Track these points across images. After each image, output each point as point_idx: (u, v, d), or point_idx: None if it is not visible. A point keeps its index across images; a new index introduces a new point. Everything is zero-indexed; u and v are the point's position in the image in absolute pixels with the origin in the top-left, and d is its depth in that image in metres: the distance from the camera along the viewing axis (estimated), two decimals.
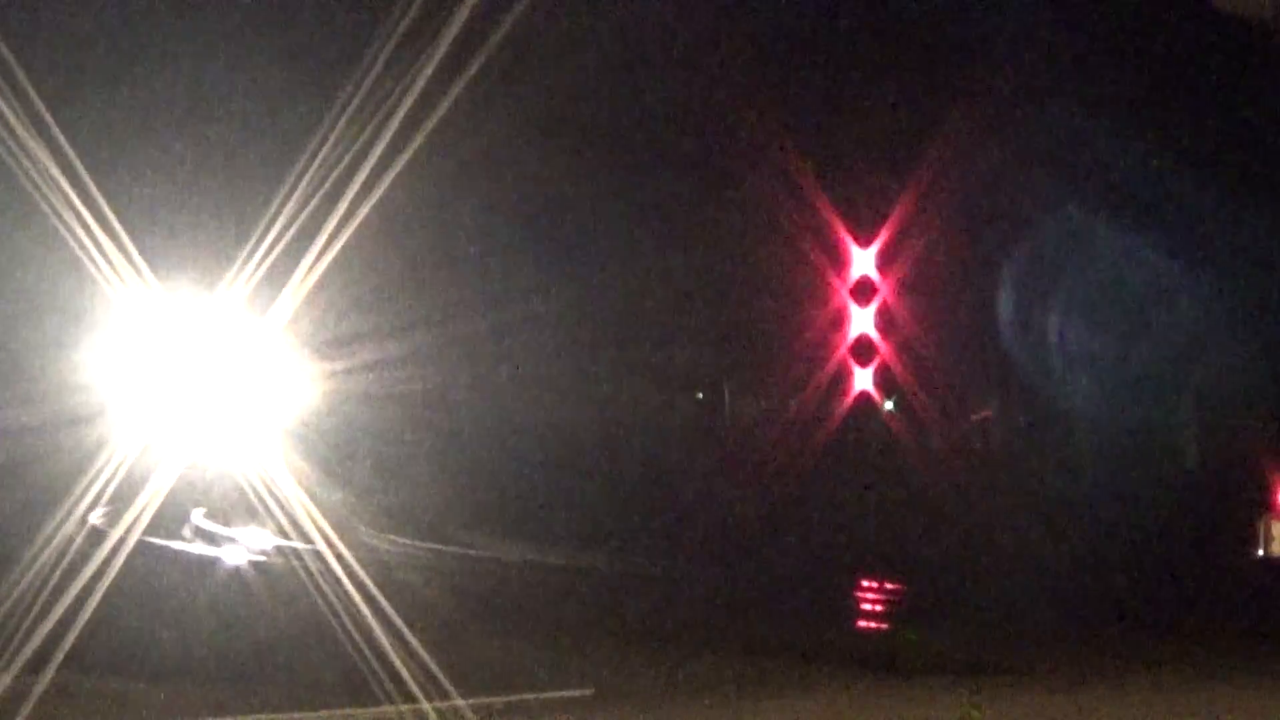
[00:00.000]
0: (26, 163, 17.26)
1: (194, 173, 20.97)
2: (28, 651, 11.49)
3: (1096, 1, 19.48)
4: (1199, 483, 12.45)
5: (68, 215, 17.48)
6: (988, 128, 18.10)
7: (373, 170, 17.99)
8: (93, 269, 17.32)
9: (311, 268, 17.88)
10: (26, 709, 10.85)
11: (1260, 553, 9.60)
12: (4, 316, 18.87)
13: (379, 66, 17.95)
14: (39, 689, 11.04)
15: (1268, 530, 9.48)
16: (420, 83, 18.44)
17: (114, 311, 17.59)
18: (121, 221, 17.45)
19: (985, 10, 19.32)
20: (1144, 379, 18.56)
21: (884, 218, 17.75)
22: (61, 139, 17.69)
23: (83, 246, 17.43)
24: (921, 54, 19.09)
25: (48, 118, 17.29)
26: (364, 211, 18.02)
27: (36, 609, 11.74)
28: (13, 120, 17.36)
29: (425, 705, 11.17)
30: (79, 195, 17.43)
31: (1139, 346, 18.49)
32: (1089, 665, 13.12)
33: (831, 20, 19.51)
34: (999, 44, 19.26)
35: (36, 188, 17.25)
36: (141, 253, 17.64)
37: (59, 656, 11.31)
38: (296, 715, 11.52)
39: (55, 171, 17.46)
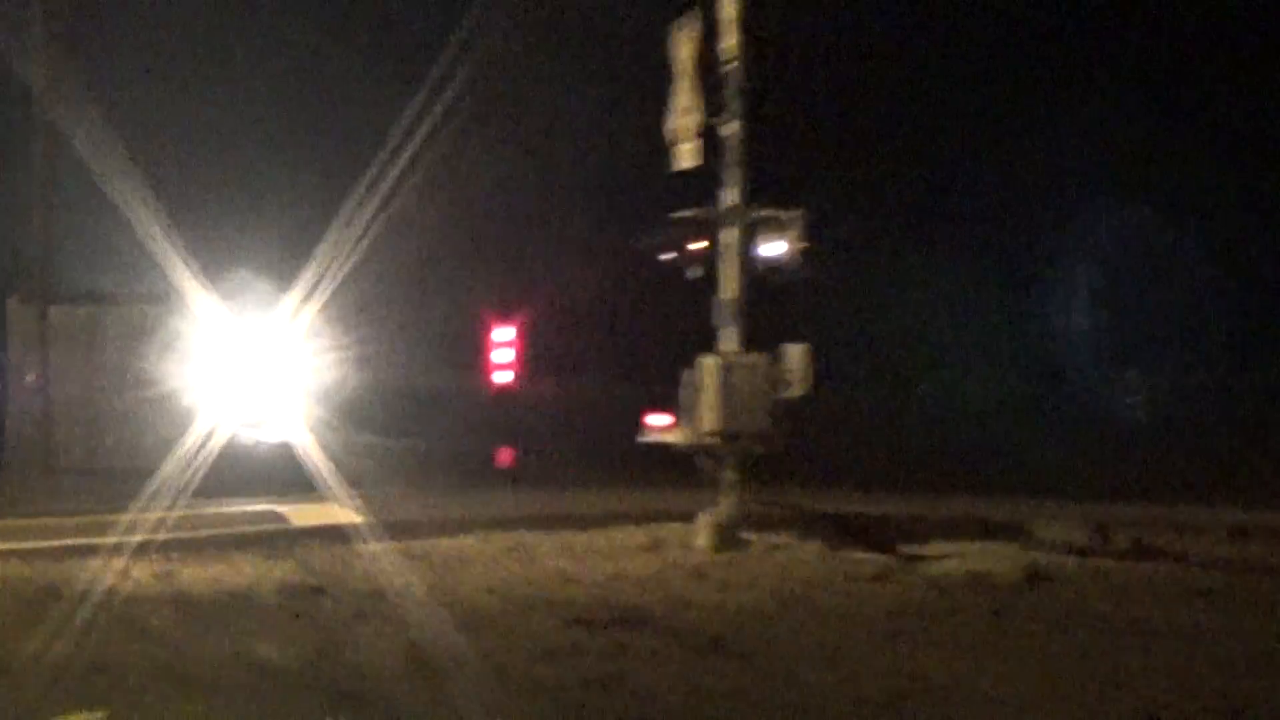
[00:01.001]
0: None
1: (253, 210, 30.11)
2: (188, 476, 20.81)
3: None
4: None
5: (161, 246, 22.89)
6: None
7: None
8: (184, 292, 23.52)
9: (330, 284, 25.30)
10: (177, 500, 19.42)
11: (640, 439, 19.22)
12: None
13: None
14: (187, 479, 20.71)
15: (640, 431, 21.82)
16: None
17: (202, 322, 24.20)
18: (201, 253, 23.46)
19: None
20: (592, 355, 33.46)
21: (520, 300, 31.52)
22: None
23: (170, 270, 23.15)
24: None
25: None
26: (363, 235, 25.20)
27: (190, 455, 21.43)
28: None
29: (339, 495, 19.61)
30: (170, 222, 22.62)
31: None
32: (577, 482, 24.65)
33: None
34: None
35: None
36: (214, 272, 24.15)
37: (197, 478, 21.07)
38: (277, 499, 20.21)
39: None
